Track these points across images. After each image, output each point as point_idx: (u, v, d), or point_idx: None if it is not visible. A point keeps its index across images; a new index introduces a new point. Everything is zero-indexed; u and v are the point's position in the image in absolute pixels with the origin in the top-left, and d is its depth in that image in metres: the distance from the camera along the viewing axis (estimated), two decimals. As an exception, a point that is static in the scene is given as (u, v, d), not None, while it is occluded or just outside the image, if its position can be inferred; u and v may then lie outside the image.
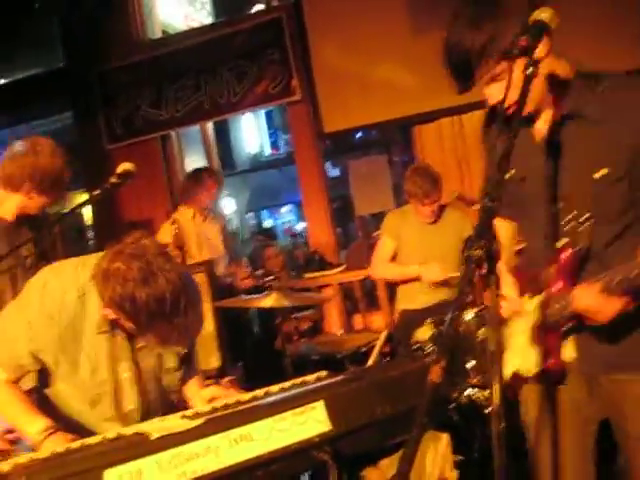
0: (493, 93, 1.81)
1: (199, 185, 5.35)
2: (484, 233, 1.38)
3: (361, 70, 6.05)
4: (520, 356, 2.06)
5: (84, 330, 2.12)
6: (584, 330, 1.92)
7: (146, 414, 2.23)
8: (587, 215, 1.87)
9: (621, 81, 1.87)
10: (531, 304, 2.03)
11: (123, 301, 1.87)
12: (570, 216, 1.90)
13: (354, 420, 1.76)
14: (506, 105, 1.68)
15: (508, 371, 2.10)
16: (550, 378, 2.02)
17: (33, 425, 2.02)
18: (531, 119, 1.92)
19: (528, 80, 1.66)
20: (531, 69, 1.65)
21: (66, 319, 2.09)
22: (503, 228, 2.23)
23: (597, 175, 1.82)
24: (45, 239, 2.62)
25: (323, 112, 6.28)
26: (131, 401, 2.21)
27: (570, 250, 1.90)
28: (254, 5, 7.70)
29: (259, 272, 6.30)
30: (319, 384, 1.98)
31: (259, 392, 2.07)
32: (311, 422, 1.70)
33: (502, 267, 2.13)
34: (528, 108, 1.78)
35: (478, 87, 1.84)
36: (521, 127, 1.68)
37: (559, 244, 1.95)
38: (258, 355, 5.56)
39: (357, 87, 6.09)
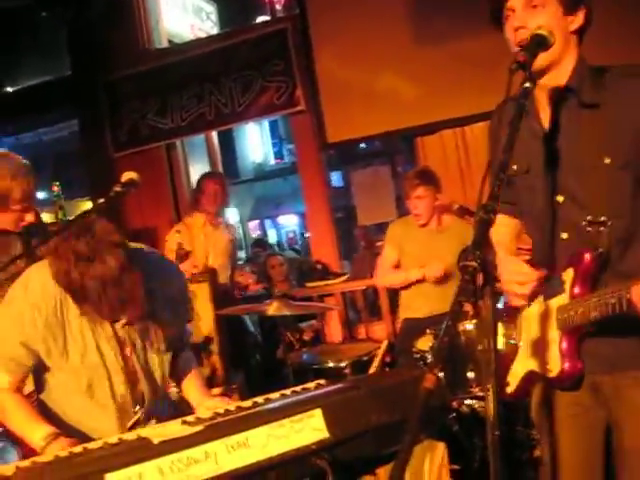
0: (524, 18, 1.81)
1: (200, 190, 5.36)
2: (479, 244, 1.40)
3: (364, 81, 6.08)
4: (538, 355, 2.01)
5: (68, 315, 2.18)
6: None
7: (137, 399, 2.29)
8: (604, 217, 1.84)
9: (623, 69, 1.87)
10: (555, 303, 1.96)
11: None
12: (588, 218, 1.87)
13: (351, 428, 1.78)
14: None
15: (522, 369, 2.09)
16: (564, 382, 1.96)
17: (37, 432, 2.07)
18: (530, 111, 1.92)
19: (525, 93, 1.70)
20: (528, 84, 1.70)
21: (50, 306, 2.14)
22: (503, 225, 2.19)
23: (606, 161, 1.81)
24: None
25: (327, 122, 6.30)
26: (120, 383, 2.26)
27: (590, 254, 1.86)
28: (259, 16, 7.75)
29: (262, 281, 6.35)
30: (317, 392, 2.00)
31: (259, 399, 2.10)
32: (309, 430, 1.72)
33: (501, 254, 2.10)
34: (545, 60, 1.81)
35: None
36: (523, 112, 1.67)
37: (564, 235, 1.94)
38: (260, 364, 5.59)
39: (360, 98, 6.12)
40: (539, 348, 2.01)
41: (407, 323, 4.51)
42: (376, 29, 6.00)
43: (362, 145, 16.24)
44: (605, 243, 1.85)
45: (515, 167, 1.99)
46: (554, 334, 1.95)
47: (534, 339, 2.04)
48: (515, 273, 2.00)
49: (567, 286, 1.91)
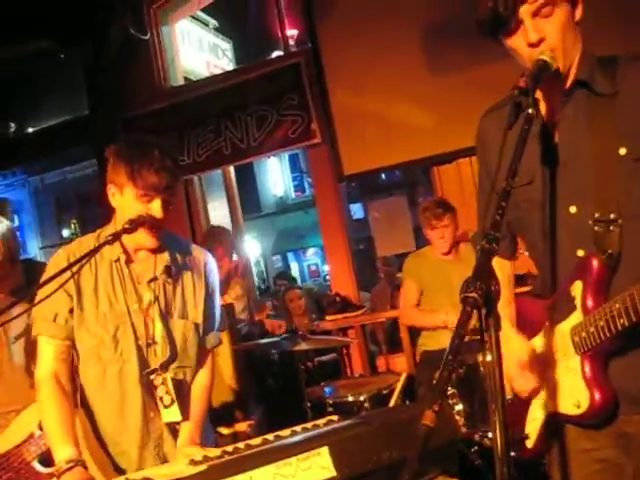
0: (539, 28, 1.67)
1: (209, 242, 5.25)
2: (481, 275, 1.35)
3: (379, 112, 6.09)
4: (558, 393, 1.79)
5: (100, 265, 2.30)
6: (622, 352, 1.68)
7: (149, 354, 2.32)
8: (614, 215, 1.67)
9: (636, 57, 1.75)
10: (567, 324, 1.76)
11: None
12: (595, 216, 1.69)
13: (359, 466, 1.74)
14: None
15: (541, 414, 1.89)
16: (596, 416, 1.71)
17: (61, 450, 2.11)
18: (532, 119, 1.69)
19: (529, 119, 1.62)
20: (531, 110, 1.58)
21: (78, 255, 2.20)
22: (498, 270, 2.03)
23: (622, 151, 1.67)
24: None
25: (343, 154, 6.30)
26: (141, 335, 2.30)
27: (597, 259, 1.68)
28: (273, 51, 7.82)
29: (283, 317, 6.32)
30: (326, 429, 1.96)
31: (270, 436, 2.06)
32: (316, 468, 1.68)
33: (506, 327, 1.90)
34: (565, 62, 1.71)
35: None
36: (527, 138, 1.54)
37: (581, 253, 1.73)
38: (279, 398, 5.53)
39: (376, 129, 6.13)
40: (559, 383, 1.79)
41: (427, 355, 4.46)
42: (389, 59, 6.03)
43: (382, 177, 16.35)
44: (615, 244, 1.67)
45: (516, 178, 1.79)
46: (573, 362, 1.74)
47: (552, 373, 1.81)
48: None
49: (578, 301, 1.72)
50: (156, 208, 2.21)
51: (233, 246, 5.43)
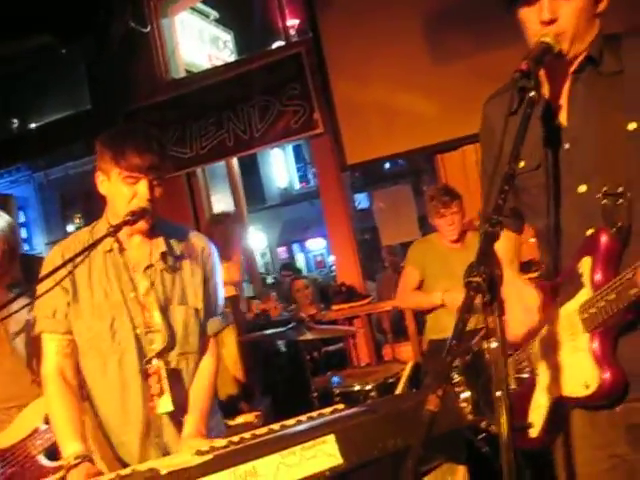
0: (555, 8, 1.65)
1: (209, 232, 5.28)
2: (485, 259, 1.34)
3: (382, 101, 6.07)
4: (565, 374, 1.74)
5: (94, 256, 2.28)
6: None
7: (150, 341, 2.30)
8: (621, 188, 1.65)
9: (635, 34, 1.75)
10: (576, 302, 1.71)
11: None
12: (603, 190, 1.67)
13: (366, 453, 1.73)
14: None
15: (546, 399, 1.83)
16: (607, 396, 1.67)
17: (70, 446, 2.13)
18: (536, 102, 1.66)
19: (531, 102, 1.61)
20: (534, 93, 1.57)
21: (73, 250, 2.23)
22: (504, 239, 1.87)
23: (631, 127, 1.65)
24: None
25: (346, 144, 6.29)
26: (139, 324, 2.29)
27: (606, 233, 1.65)
28: (274, 42, 7.80)
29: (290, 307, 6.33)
30: (332, 417, 1.95)
31: (275, 425, 2.06)
32: (322, 456, 1.68)
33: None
34: (572, 47, 1.69)
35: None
36: (529, 122, 1.54)
37: (591, 232, 1.70)
38: (286, 388, 5.54)
39: (378, 118, 6.11)
40: (565, 365, 1.73)
41: (433, 343, 4.44)
42: (391, 47, 6.00)
43: (387, 166, 16.30)
44: (625, 217, 1.65)
45: (522, 164, 1.76)
46: (582, 340, 1.69)
47: (557, 356, 1.75)
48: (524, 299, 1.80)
49: (586, 278, 1.68)
50: (142, 190, 2.20)
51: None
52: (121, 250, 2.32)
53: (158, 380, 2.27)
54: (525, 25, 1.74)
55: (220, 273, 2.56)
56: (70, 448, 2.11)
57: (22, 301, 2.19)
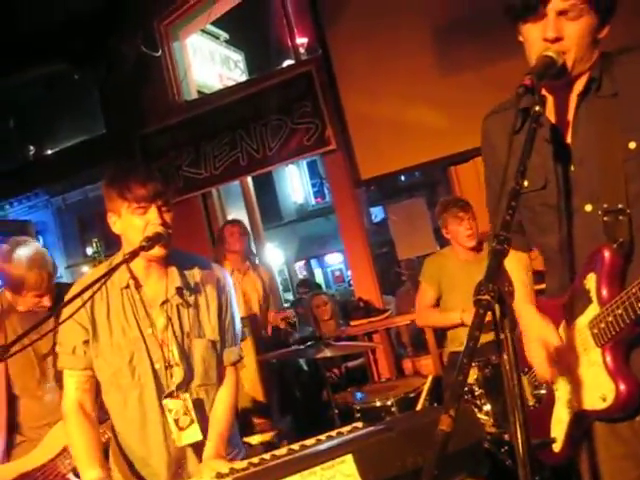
0: (560, 27, 1.67)
1: (221, 237, 5.41)
2: (493, 276, 1.34)
3: (393, 115, 6.08)
4: (582, 389, 1.75)
5: (111, 294, 2.34)
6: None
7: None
8: (622, 205, 1.68)
9: (628, 56, 1.77)
10: (584, 318, 1.75)
11: None
12: (604, 207, 1.70)
13: (384, 472, 1.72)
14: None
15: (567, 414, 1.85)
16: (623, 407, 1.69)
17: (89, 472, 2.21)
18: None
19: (536, 117, 1.61)
20: (538, 107, 1.59)
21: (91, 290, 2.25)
22: (515, 261, 2.01)
23: (631, 145, 1.68)
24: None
25: (359, 159, 6.30)
26: (158, 359, 2.33)
27: (609, 249, 1.69)
28: (284, 60, 7.85)
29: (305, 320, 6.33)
30: (350, 436, 1.95)
31: (295, 445, 2.06)
32: (340, 476, 1.68)
33: (521, 304, 1.94)
34: (575, 66, 1.72)
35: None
36: (534, 138, 1.55)
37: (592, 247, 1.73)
38: (307, 406, 5.53)
39: (390, 132, 6.12)
40: (582, 379, 1.75)
41: (453, 356, 4.42)
42: (400, 61, 6.02)
43: (402, 179, 16.31)
44: (625, 232, 1.68)
45: (527, 184, 1.76)
46: (595, 355, 1.72)
47: (572, 372, 1.78)
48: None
49: (593, 294, 1.71)
50: (153, 216, 2.25)
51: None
52: (137, 286, 2.35)
53: (185, 411, 2.30)
54: (527, 41, 1.75)
55: (236, 303, 2.58)
56: (89, 475, 2.20)
57: (48, 325, 2.24)
